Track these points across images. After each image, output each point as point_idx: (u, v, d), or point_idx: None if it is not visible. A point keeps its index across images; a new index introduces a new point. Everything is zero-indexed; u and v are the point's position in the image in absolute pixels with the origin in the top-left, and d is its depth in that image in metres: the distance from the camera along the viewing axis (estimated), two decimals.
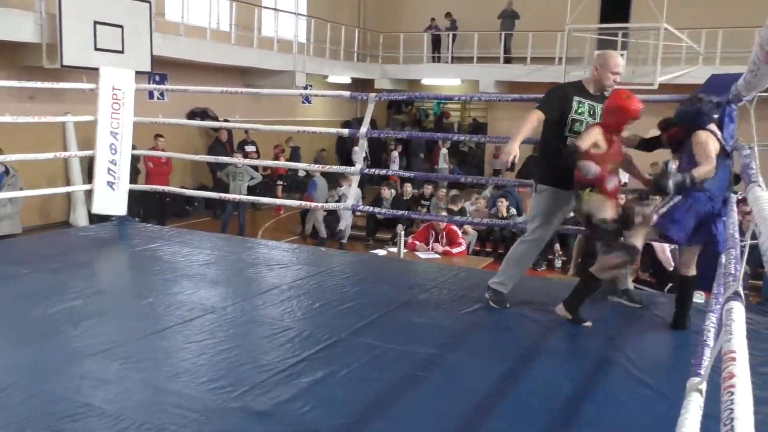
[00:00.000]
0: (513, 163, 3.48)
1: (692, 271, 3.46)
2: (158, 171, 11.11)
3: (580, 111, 3.63)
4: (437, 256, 7.76)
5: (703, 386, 1.42)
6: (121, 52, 10.37)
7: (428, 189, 11.33)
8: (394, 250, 7.64)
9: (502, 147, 3.63)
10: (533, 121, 3.59)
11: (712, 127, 3.33)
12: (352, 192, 5.46)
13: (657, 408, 2.58)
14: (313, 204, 8.78)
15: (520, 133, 3.54)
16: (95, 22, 10.04)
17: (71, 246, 5.25)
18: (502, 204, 10.03)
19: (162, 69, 11.99)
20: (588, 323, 3.46)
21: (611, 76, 3.63)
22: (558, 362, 3.06)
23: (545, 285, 4.74)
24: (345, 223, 10.21)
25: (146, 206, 10.89)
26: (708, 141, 3.25)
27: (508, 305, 3.74)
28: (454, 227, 8.11)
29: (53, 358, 2.91)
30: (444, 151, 15.92)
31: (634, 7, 16.08)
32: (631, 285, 3.94)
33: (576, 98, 3.63)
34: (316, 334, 3.26)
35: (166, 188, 7.27)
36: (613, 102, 3.45)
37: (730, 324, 1.44)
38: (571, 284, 3.84)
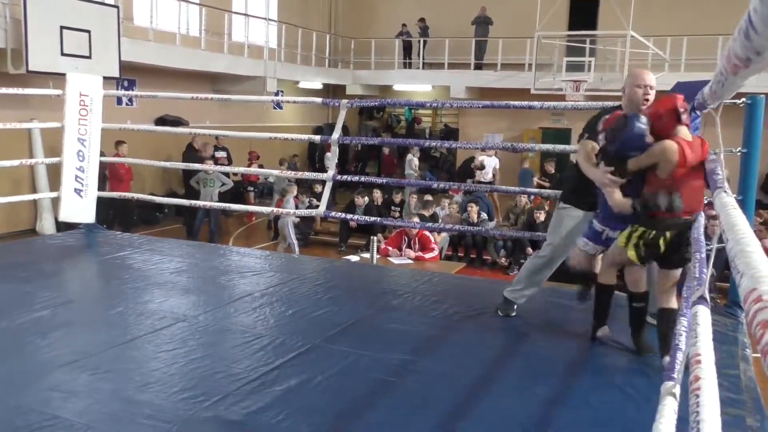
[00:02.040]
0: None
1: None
2: (119, 178, 10.82)
3: None
4: (410, 261, 7.78)
5: (677, 390, 1.45)
6: (89, 57, 10.22)
7: (397, 197, 11.37)
8: (367, 255, 7.64)
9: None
10: (589, 151, 3.36)
11: None
12: (324, 198, 5.44)
13: (628, 412, 2.61)
14: (284, 211, 8.73)
15: (593, 172, 3.31)
16: (62, 27, 9.87)
17: (38, 254, 5.15)
18: (473, 209, 10.11)
19: (130, 75, 11.85)
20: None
21: (638, 90, 3.33)
22: (531, 366, 3.08)
23: None
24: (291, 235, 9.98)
25: (113, 213, 10.71)
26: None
27: (512, 314, 3.72)
28: (427, 233, 8.14)
29: (21, 370, 2.85)
30: (410, 157, 15.80)
31: (602, 15, 16.36)
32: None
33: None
34: (289, 341, 3.24)
35: (137, 195, 7.17)
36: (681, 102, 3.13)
37: (695, 328, 1.47)
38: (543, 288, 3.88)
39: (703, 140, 3.13)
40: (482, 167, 13.33)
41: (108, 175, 10.59)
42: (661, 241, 3.01)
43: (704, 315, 1.64)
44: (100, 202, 6.05)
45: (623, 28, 12.97)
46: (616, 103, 3.83)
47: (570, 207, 3.62)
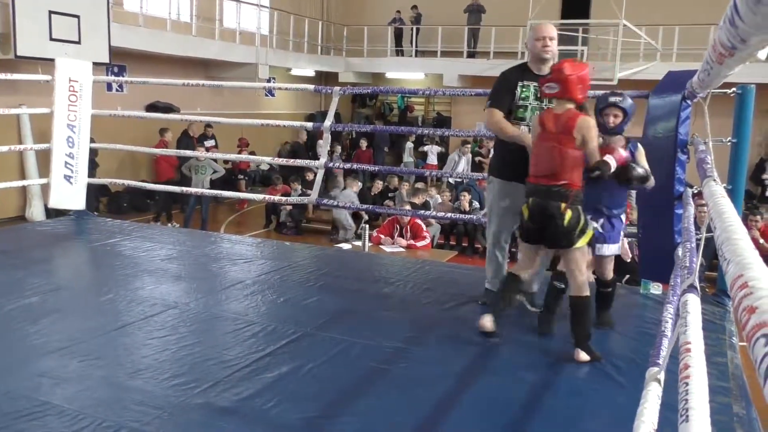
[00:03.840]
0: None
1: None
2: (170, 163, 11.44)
3: (524, 95, 3.48)
4: (402, 249, 7.79)
5: (662, 376, 1.46)
6: (78, 42, 10.11)
7: (401, 184, 11.39)
8: (359, 243, 7.64)
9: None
10: (501, 121, 3.44)
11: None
12: (316, 186, 5.43)
13: (617, 398, 2.64)
14: (276, 198, 8.71)
15: (515, 129, 3.41)
16: (50, 12, 9.75)
17: (28, 241, 5.12)
18: (465, 198, 10.12)
19: (121, 60, 11.74)
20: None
21: (537, 43, 3.42)
22: (520, 354, 3.10)
23: None
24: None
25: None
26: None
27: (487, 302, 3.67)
28: (419, 221, 8.15)
29: (10, 357, 2.84)
30: (409, 145, 15.98)
31: (594, 4, 16.34)
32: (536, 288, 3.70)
33: (519, 83, 3.48)
34: (280, 329, 3.25)
35: (127, 182, 7.13)
36: (573, 70, 3.01)
37: (685, 316, 1.48)
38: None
39: (579, 114, 3.00)
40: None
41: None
42: (524, 209, 3.07)
43: (694, 303, 1.65)
44: (90, 188, 6.02)
45: (616, 17, 12.96)
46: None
47: (492, 178, 3.64)
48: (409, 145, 15.98)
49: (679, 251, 3.04)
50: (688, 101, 3.74)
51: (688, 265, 2.41)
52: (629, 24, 13.09)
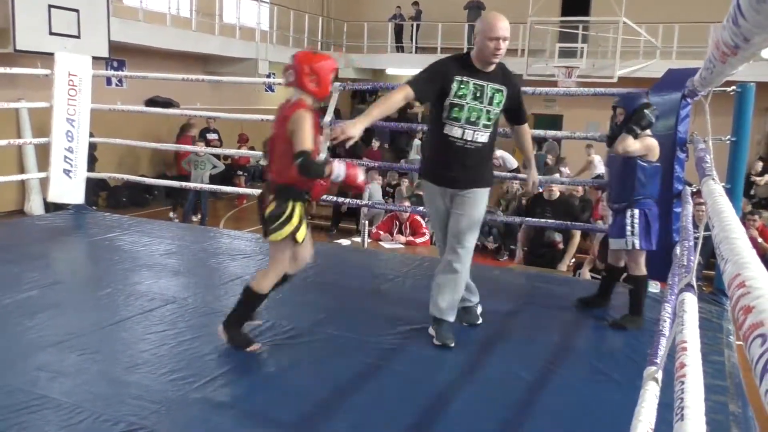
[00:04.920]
0: (344, 144, 2.76)
1: (643, 270, 3.44)
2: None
3: (461, 93, 2.99)
4: (401, 246, 7.79)
5: (659, 375, 1.47)
6: (77, 37, 10.10)
7: (394, 179, 11.38)
8: (358, 240, 7.63)
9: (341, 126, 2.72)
10: (397, 100, 2.90)
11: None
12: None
13: (612, 396, 2.64)
14: None
15: (370, 114, 2.85)
16: (50, 6, 9.74)
17: (26, 235, 5.12)
18: None
19: (120, 55, 11.72)
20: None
21: (490, 44, 2.96)
22: (517, 351, 3.10)
23: (504, 275, 4.80)
24: None
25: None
26: (654, 149, 3.33)
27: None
28: (418, 217, 8.14)
29: (8, 350, 2.84)
30: (417, 142, 15.94)
31: (594, 1, 16.32)
32: None
33: (457, 78, 3.00)
34: (278, 324, 3.25)
35: (126, 176, 7.13)
36: (308, 62, 2.75)
37: (682, 315, 1.48)
38: (527, 274, 3.90)
39: (298, 105, 2.74)
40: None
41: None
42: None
43: (691, 302, 1.65)
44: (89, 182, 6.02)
45: (616, 14, 12.95)
46: (615, 90, 3.84)
47: (422, 181, 3.42)
48: (417, 142, 15.91)
49: (677, 250, 3.04)
50: (688, 99, 3.74)
51: (686, 263, 2.41)
52: (629, 21, 13.08)
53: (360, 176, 2.88)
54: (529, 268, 5.74)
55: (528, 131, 3.47)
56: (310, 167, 2.68)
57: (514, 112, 3.28)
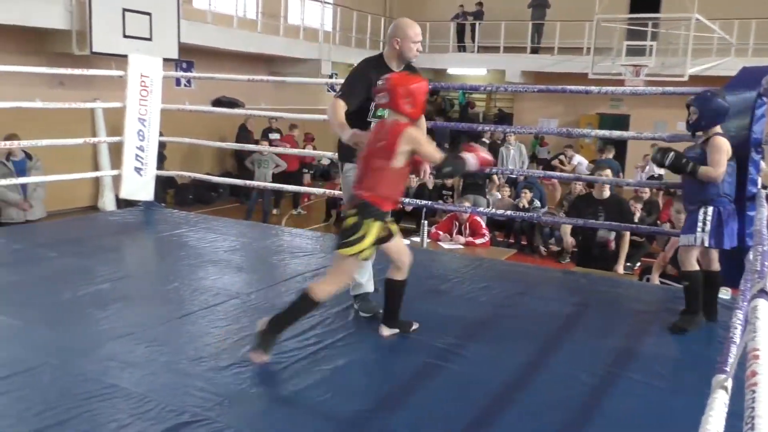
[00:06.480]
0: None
1: (717, 266, 3.41)
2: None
3: None
4: (460, 246, 7.75)
5: (729, 383, 1.41)
6: (149, 39, 10.47)
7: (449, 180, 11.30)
8: (417, 239, 7.64)
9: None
10: (342, 114, 3.16)
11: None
12: None
13: (675, 403, 2.56)
14: (337, 192, 8.79)
15: (345, 126, 3.12)
16: (124, 10, 10.14)
17: (99, 230, 5.33)
18: (526, 195, 9.99)
19: (189, 56, 12.07)
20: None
21: (414, 46, 3.28)
22: (577, 355, 3.04)
23: (565, 277, 4.71)
24: None
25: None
26: (723, 148, 3.22)
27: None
28: (478, 218, 8.08)
29: (81, 340, 2.97)
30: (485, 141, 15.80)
31: None
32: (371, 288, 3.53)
33: (377, 79, 3.09)
34: (337, 321, 3.28)
35: (193, 174, 7.35)
36: (403, 84, 2.87)
37: (754, 322, 1.42)
38: (589, 276, 3.81)
39: (395, 126, 2.81)
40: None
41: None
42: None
43: (764, 309, 1.58)
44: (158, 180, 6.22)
45: (688, 10, 12.50)
46: (686, 89, 3.72)
47: (344, 162, 3.46)
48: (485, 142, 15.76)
49: (750, 255, 2.92)
50: (764, 98, 3.58)
51: (759, 269, 2.31)
52: (702, 18, 12.61)
53: (488, 155, 3.02)
54: (591, 270, 5.61)
55: (424, 122, 3.43)
56: (456, 167, 2.92)
57: None
